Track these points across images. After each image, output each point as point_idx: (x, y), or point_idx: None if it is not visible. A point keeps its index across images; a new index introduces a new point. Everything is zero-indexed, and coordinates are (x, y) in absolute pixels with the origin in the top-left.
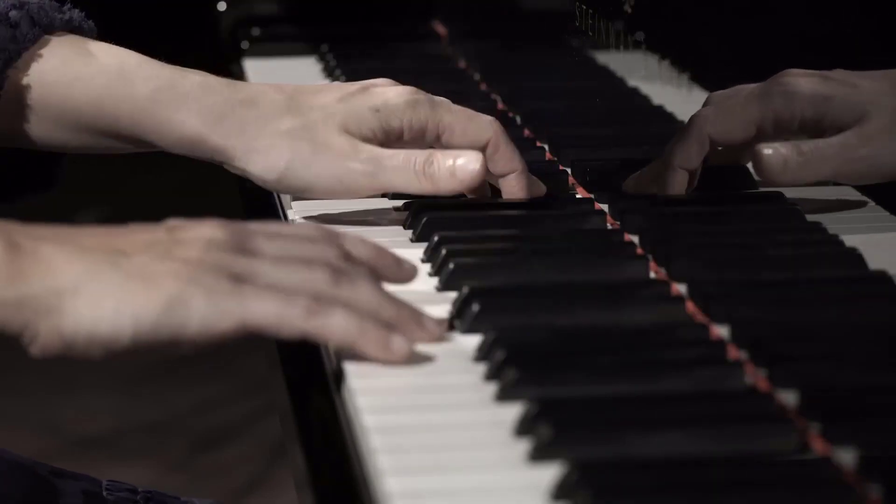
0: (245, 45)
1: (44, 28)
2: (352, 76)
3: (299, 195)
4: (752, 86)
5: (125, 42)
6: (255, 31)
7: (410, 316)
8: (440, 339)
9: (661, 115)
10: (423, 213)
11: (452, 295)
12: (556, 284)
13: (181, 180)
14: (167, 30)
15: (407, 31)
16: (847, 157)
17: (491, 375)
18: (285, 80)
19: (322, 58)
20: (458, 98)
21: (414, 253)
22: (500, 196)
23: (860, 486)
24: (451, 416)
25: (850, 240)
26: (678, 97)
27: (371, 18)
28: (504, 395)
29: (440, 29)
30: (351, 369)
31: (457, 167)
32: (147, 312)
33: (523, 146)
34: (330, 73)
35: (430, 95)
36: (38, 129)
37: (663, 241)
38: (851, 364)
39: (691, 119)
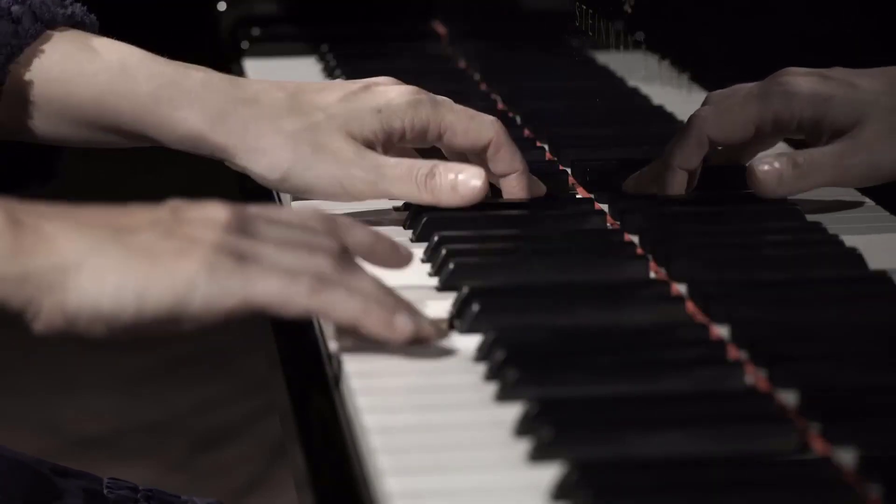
0: (245, 45)
1: (46, 23)
2: (352, 76)
3: (300, 195)
4: (751, 85)
5: (125, 41)
6: (255, 31)
7: (409, 307)
8: (436, 337)
9: (661, 115)
10: (423, 212)
11: (452, 295)
12: (556, 284)
13: (181, 179)
14: (167, 30)
15: (407, 31)
16: (844, 164)
17: (491, 375)
18: (285, 79)
19: (322, 58)
20: (459, 98)
21: (414, 253)
22: (501, 196)
23: (860, 486)
24: (451, 416)
25: (850, 240)
26: (678, 97)
27: (371, 18)
28: (504, 395)
29: (440, 29)
30: (351, 369)
31: (459, 182)
32: (150, 289)
33: (523, 146)
34: (330, 73)
35: (432, 95)
36: (40, 123)
37: (663, 241)
38: (851, 364)
39: (690, 119)
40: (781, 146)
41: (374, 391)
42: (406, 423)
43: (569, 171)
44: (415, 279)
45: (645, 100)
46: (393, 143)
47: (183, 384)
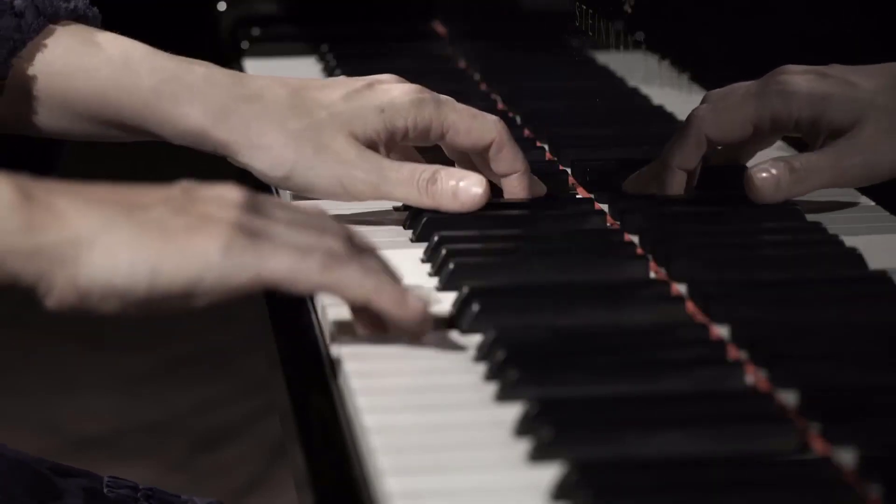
0: (245, 45)
1: (48, 17)
2: (352, 76)
3: (301, 194)
4: (749, 84)
5: None
6: (255, 31)
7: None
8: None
9: (661, 115)
10: (423, 212)
11: (452, 295)
12: (556, 284)
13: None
14: (167, 30)
15: (407, 31)
16: (841, 166)
17: (491, 375)
18: None
19: (322, 58)
20: (459, 98)
21: (414, 253)
22: (501, 196)
23: (860, 486)
24: (451, 416)
25: (850, 240)
26: (678, 97)
27: (371, 18)
28: (504, 395)
29: (440, 29)
30: (351, 369)
31: (460, 189)
32: (164, 264)
33: (523, 146)
34: (330, 73)
35: (435, 94)
36: (42, 117)
37: (663, 241)
38: (851, 364)
39: (688, 119)
40: (780, 144)
41: (374, 391)
42: (406, 423)
43: (569, 171)
44: (415, 279)
45: (645, 100)
46: (396, 141)
47: (183, 384)
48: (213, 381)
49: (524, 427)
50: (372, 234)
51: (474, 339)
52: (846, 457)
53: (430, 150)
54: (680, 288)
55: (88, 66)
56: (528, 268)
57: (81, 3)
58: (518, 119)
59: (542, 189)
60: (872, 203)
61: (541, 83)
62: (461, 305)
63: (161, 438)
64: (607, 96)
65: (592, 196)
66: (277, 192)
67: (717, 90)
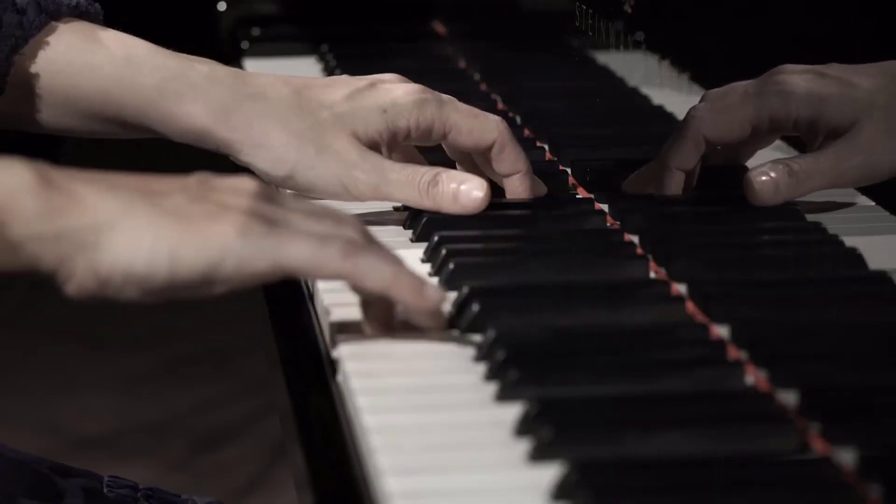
0: (245, 45)
1: (50, 14)
2: (352, 75)
3: (303, 194)
4: (747, 83)
5: None
6: (255, 31)
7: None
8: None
9: (661, 115)
10: (423, 213)
11: (452, 295)
12: (556, 284)
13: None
14: (167, 30)
15: (407, 31)
16: (840, 168)
17: (491, 375)
18: None
19: (322, 58)
20: (459, 98)
21: (414, 253)
22: (502, 195)
23: (860, 486)
24: (451, 416)
25: (850, 240)
26: (678, 97)
27: (371, 18)
28: (504, 395)
29: (440, 29)
30: (351, 369)
31: (461, 192)
32: (184, 250)
33: (523, 146)
34: (330, 74)
35: (437, 94)
36: (45, 114)
37: (663, 241)
38: (851, 364)
39: (686, 120)
40: (779, 143)
41: (374, 391)
42: (406, 423)
43: (569, 171)
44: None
45: (645, 100)
46: (398, 141)
47: (183, 384)
48: (213, 381)
49: (524, 427)
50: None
51: (474, 339)
52: (846, 457)
53: (432, 149)
54: (680, 288)
55: (91, 63)
56: (528, 268)
57: (83, 0)
58: (518, 119)
59: (542, 189)
60: (872, 203)
61: (541, 83)
62: (461, 305)
63: (161, 438)
64: (607, 96)
65: (592, 196)
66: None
67: (715, 90)
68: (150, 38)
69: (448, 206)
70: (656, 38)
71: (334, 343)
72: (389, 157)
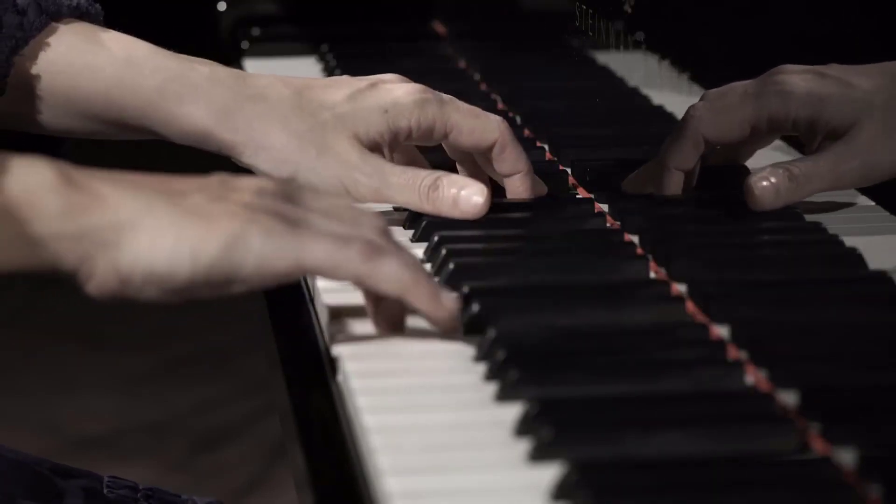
0: (245, 45)
1: (51, 15)
2: (351, 75)
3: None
4: (746, 83)
5: None
6: (255, 31)
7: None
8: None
9: (661, 115)
10: (423, 213)
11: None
12: (556, 284)
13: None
14: (167, 30)
15: (407, 31)
16: (839, 171)
17: (491, 375)
18: None
19: (322, 58)
20: (459, 98)
21: (414, 253)
22: (503, 195)
23: (860, 486)
24: (451, 416)
25: (850, 240)
26: (678, 97)
27: (371, 18)
28: (504, 395)
29: (440, 29)
30: (351, 369)
31: (461, 197)
32: (205, 249)
33: (523, 146)
34: (330, 74)
35: (438, 94)
36: (45, 115)
37: (663, 241)
38: (851, 364)
39: (685, 120)
40: (778, 143)
41: (374, 391)
42: (406, 423)
43: (569, 171)
44: None
45: (645, 100)
46: (399, 142)
47: (183, 384)
48: (213, 381)
49: (524, 427)
50: None
51: (474, 340)
52: (846, 457)
53: (433, 149)
54: (680, 288)
55: (92, 64)
56: (528, 268)
57: (84, 1)
58: (518, 119)
59: (543, 189)
60: (872, 203)
61: (541, 83)
62: (461, 305)
63: (161, 438)
64: (607, 96)
65: (592, 196)
66: None
67: (715, 90)
68: (150, 37)
69: (448, 211)
70: (656, 38)
71: (334, 343)
72: (391, 157)
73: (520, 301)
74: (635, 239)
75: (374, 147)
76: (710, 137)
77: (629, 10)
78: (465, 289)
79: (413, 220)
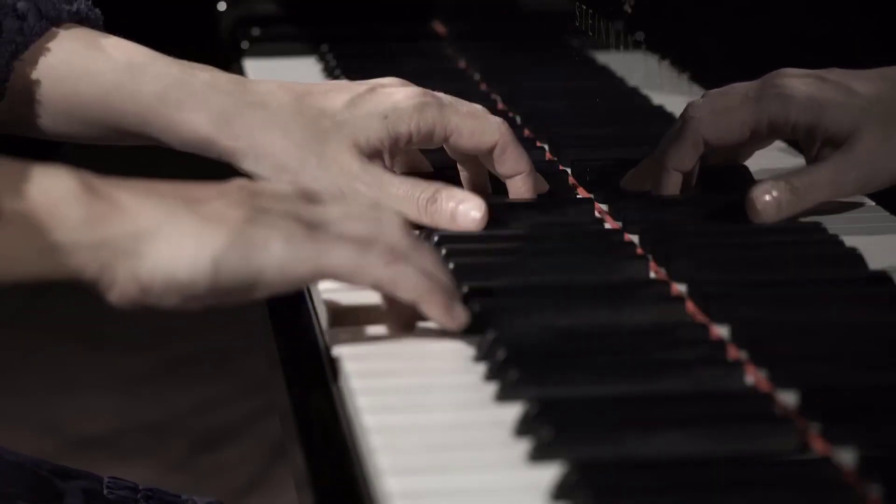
0: (245, 45)
1: (51, 20)
2: (352, 76)
3: None
4: (747, 86)
5: (127, 40)
6: (255, 31)
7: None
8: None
9: (661, 115)
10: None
11: None
12: (556, 284)
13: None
14: (167, 30)
15: (407, 31)
16: (840, 181)
17: (491, 375)
18: (285, 79)
19: (322, 58)
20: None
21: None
22: (506, 195)
23: (860, 486)
24: (451, 416)
25: (850, 240)
26: (678, 97)
27: (371, 18)
28: (504, 395)
29: (440, 29)
30: (351, 369)
31: (458, 212)
32: (226, 256)
33: (523, 146)
34: (330, 73)
35: (438, 97)
36: (45, 120)
37: (663, 241)
38: (851, 364)
39: (685, 121)
40: (779, 144)
41: (374, 391)
42: (406, 423)
43: (569, 171)
44: None
45: (645, 100)
46: (399, 147)
47: (183, 384)
48: (213, 381)
49: (524, 427)
50: None
51: (474, 340)
52: (846, 457)
53: (435, 149)
54: (680, 288)
55: (92, 70)
56: (528, 268)
57: (84, 6)
58: (518, 119)
59: (544, 186)
60: (872, 203)
61: (541, 83)
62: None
63: (161, 438)
64: (607, 96)
65: (592, 196)
66: None
67: (715, 91)
68: (150, 38)
69: (445, 225)
70: (656, 38)
71: (334, 343)
72: (391, 162)
73: (520, 301)
74: (635, 239)
75: (375, 153)
76: (710, 139)
77: (629, 10)
78: (465, 289)
79: None
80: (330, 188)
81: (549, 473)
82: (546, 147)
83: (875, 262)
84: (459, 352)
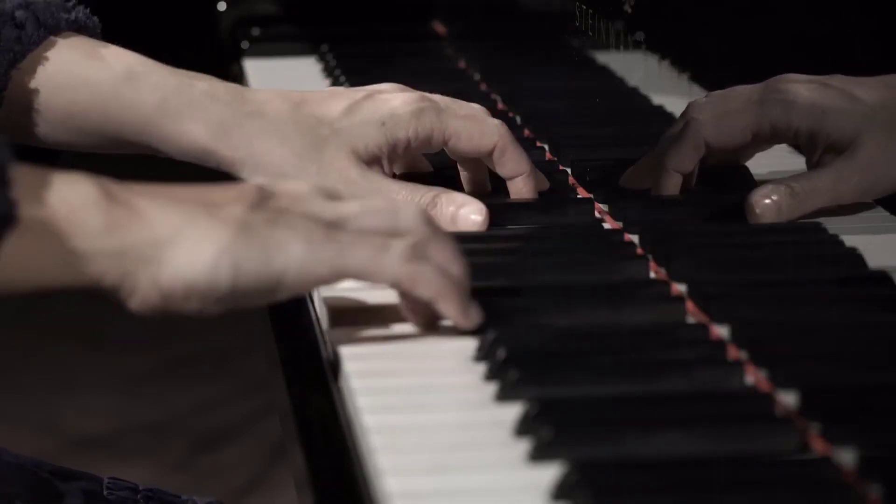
0: (245, 45)
1: (49, 29)
2: (351, 76)
3: None
4: (750, 89)
5: (126, 42)
6: (255, 31)
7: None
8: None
9: (661, 115)
10: None
11: None
12: (556, 284)
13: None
14: (168, 30)
15: (407, 31)
16: (841, 187)
17: (491, 375)
18: (285, 79)
19: (322, 58)
20: (459, 98)
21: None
22: (504, 194)
23: (860, 486)
24: (451, 416)
25: (850, 240)
26: (678, 97)
27: (371, 18)
28: (504, 395)
29: (440, 29)
30: (351, 369)
31: (458, 216)
32: (246, 260)
33: (523, 146)
34: (330, 73)
35: (436, 101)
36: (43, 129)
37: (663, 241)
38: (851, 364)
39: (687, 123)
40: (781, 145)
41: (374, 391)
42: (406, 423)
43: (569, 171)
44: None
45: (645, 100)
46: (398, 153)
47: (183, 384)
48: (213, 381)
49: (524, 427)
50: None
51: (474, 339)
52: (846, 457)
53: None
54: (680, 288)
55: (91, 79)
56: (528, 268)
57: (82, 14)
58: (518, 119)
59: (545, 183)
60: (872, 203)
61: (541, 83)
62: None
63: (161, 438)
64: (607, 96)
65: (592, 196)
66: None
67: (717, 93)
68: (150, 37)
69: (446, 228)
70: (656, 38)
71: (334, 343)
72: (390, 168)
73: (520, 301)
74: (635, 239)
75: (374, 160)
76: (712, 142)
77: (629, 10)
78: None
79: None
80: None
81: (549, 473)
82: (546, 147)
83: (875, 262)
84: (459, 352)
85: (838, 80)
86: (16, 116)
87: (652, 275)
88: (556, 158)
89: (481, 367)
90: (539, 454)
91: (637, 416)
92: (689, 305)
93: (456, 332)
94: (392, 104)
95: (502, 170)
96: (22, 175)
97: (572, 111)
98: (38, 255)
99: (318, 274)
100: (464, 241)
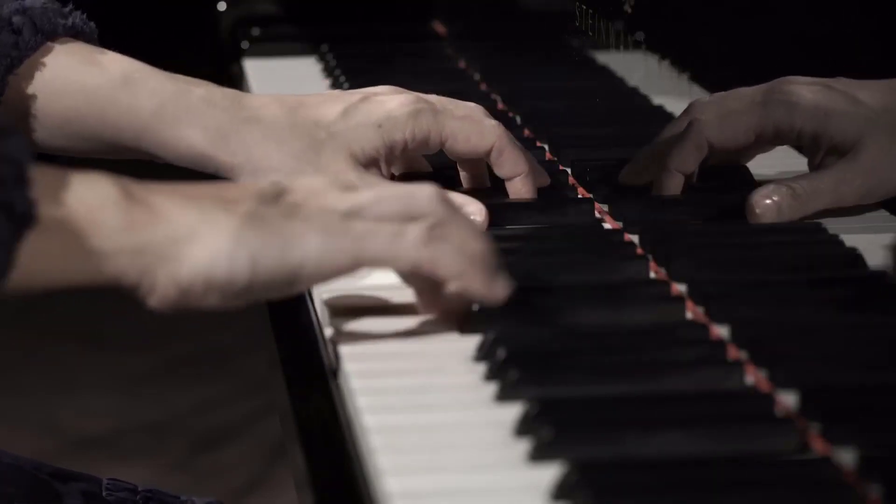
0: (245, 45)
1: (46, 35)
2: (351, 76)
3: None
4: (754, 90)
5: (126, 42)
6: (255, 31)
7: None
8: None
9: (661, 115)
10: None
11: None
12: (555, 284)
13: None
14: (168, 29)
15: (407, 31)
16: (842, 189)
17: (491, 375)
18: (285, 80)
19: (322, 58)
20: (459, 98)
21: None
22: (503, 194)
23: (860, 486)
24: (451, 416)
25: (850, 240)
26: (678, 97)
27: (371, 18)
28: (504, 395)
29: (440, 29)
30: (351, 369)
31: None
32: (264, 253)
33: (523, 146)
34: (330, 73)
35: (432, 103)
36: (41, 134)
37: (663, 241)
38: (851, 364)
39: (690, 123)
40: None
41: (374, 391)
42: (406, 423)
43: (569, 171)
44: None
45: (645, 100)
46: (395, 155)
47: (183, 384)
48: (213, 381)
49: (524, 427)
50: None
51: (474, 339)
52: (846, 457)
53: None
54: (680, 288)
55: (88, 85)
56: (527, 268)
57: (79, 20)
58: (518, 119)
59: (546, 179)
60: (872, 203)
61: (541, 83)
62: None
63: (161, 438)
64: (607, 96)
65: (592, 196)
66: None
67: (721, 94)
68: (150, 38)
69: None
70: (656, 38)
71: (334, 343)
72: (388, 170)
73: (520, 301)
74: (635, 239)
75: (371, 162)
76: (715, 143)
77: (629, 10)
78: None
79: None
80: None
81: (549, 473)
82: (546, 147)
83: (875, 262)
84: (459, 352)
85: (842, 83)
86: (13, 122)
87: (652, 275)
88: (556, 158)
89: (481, 367)
90: (539, 454)
91: (637, 416)
92: (689, 305)
93: (456, 332)
94: (388, 106)
95: (500, 170)
96: (41, 175)
97: (572, 111)
98: (58, 254)
99: (337, 264)
100: None
